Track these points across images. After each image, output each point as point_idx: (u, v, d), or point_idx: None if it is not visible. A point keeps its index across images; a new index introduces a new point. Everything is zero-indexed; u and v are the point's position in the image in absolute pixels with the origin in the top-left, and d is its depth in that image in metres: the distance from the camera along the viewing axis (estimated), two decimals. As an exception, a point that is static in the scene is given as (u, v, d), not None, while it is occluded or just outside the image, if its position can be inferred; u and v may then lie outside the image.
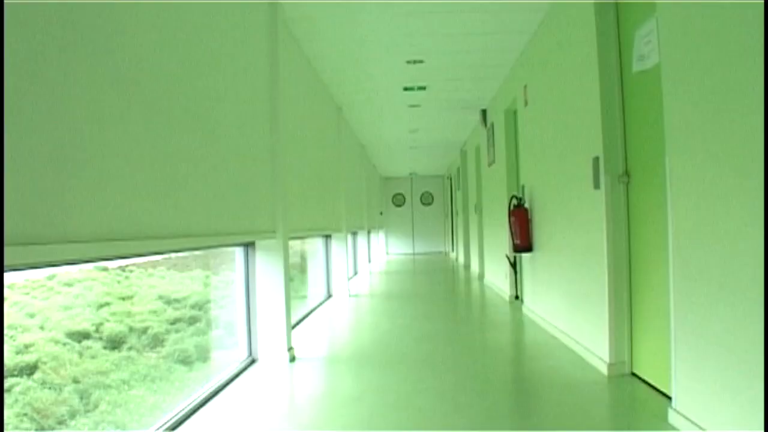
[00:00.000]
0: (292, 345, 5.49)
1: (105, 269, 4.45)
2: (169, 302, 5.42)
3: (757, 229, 2.46)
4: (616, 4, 4.49)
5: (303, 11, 6.01)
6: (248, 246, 5.23)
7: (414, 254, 23.82)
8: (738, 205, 2.63)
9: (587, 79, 4.80)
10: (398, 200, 24.96)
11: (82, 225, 2.33)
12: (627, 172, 4.38)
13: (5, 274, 1.92)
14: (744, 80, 2.55)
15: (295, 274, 8.93)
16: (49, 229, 2.10)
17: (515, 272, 8.46)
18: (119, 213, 2.66)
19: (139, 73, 2.96)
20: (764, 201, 2.39)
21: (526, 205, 7.43)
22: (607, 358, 4.50)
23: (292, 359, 5.36)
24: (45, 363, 3.62)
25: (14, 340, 3.34)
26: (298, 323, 7.23)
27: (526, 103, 7.41)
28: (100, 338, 4.66)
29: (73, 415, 3.56)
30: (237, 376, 4.79)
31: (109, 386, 4.09)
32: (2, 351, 1.44)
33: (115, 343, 4.72)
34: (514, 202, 7.57)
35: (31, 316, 3.91)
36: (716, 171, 2.81)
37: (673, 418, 3.34)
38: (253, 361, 5.21)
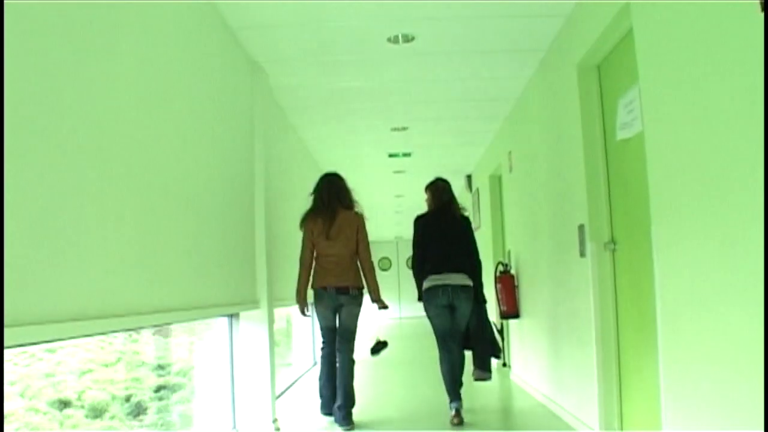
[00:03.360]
0: (277, 417, 5.36)
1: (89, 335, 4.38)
2: (153, 369, 5.31)
3: (746, 302, 2.43)
4: (598, 67, 4.53)
5: (286, 80, 6.07)
6: (232, 316, 5.15)
7: (401, 318, 23.62)
8: (726, 280, 2.60)
9: (571, 146, 4.83)
10: (384, 264, 24.86)
11: (58, 303, 2.27)
12: (613, 240, 4.36)
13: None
14: (730, 153, 2.56)
15: (280, 339, 8.79)
16: (26, 309, 2.04)
17: (502, 339, 8.38)
18: (98, 289, 2.61)
19: (118, 148, 2.96)
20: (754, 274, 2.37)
21: (513, 272, 7.41)
22: (596, 427, 4.42)
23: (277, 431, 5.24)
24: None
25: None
26: (282, 393, 7.09)
27: (510, 169, 7.46)
28: (82, 406, 4.54)
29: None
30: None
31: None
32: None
33: (97, 412, 4.60)
34: (500, 268, 7.56)
35: (12, 383, 3.82)
36: (703, 243, 2.80)
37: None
38: (236, 434, 5.09)
